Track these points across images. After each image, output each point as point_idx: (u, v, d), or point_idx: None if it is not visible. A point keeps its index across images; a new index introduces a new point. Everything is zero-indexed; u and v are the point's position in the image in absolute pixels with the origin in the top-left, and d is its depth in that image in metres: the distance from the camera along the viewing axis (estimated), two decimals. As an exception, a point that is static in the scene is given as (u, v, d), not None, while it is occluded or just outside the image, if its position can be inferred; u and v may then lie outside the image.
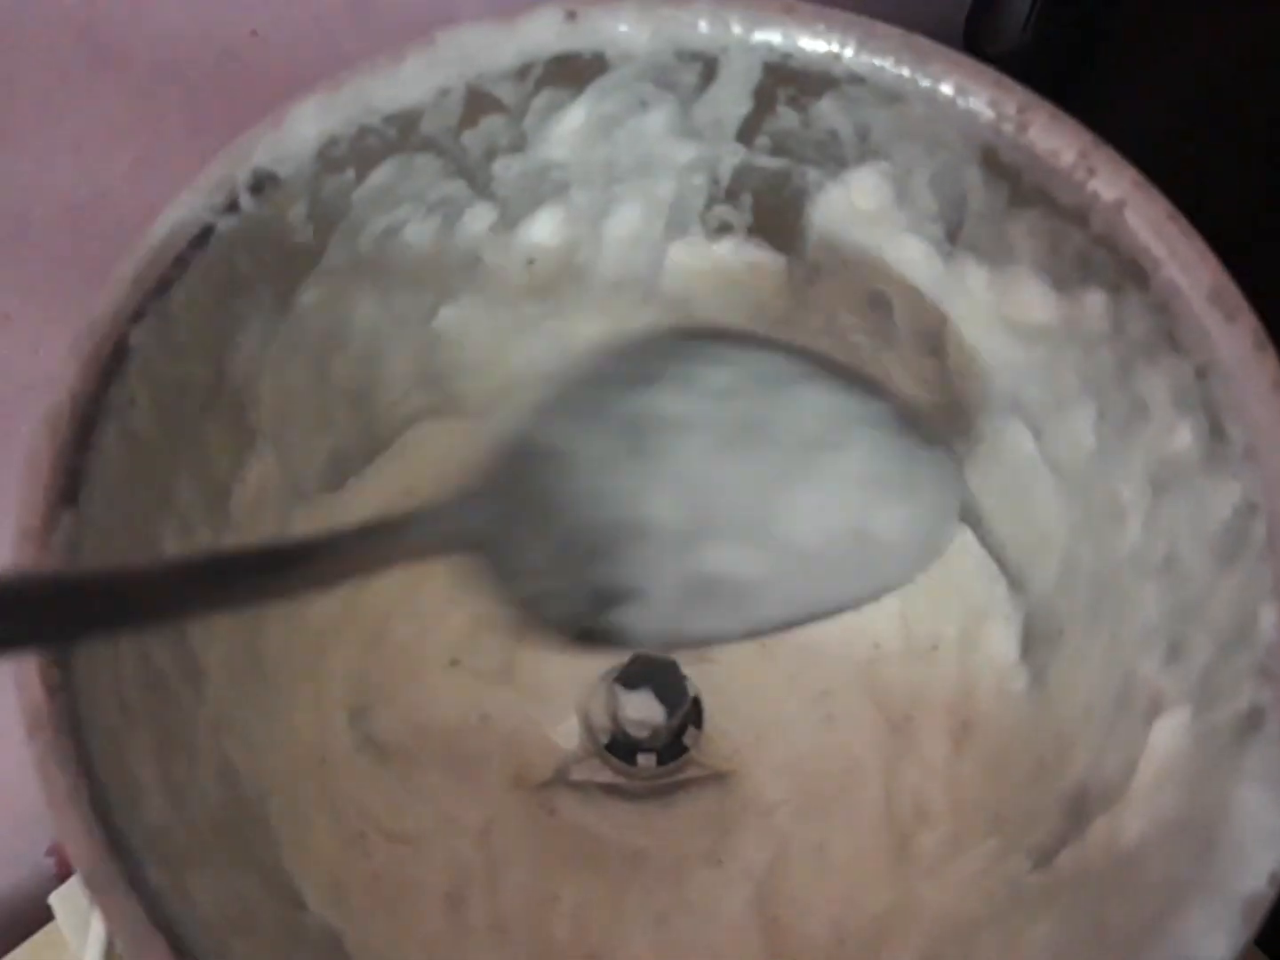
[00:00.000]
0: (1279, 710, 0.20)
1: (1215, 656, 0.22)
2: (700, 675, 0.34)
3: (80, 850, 0.19)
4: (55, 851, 0.51)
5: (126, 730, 0.21)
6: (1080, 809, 0.26)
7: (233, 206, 0.24)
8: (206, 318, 0.24)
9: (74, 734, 0.20)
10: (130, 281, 0.23)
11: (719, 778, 0.35)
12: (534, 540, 0.22)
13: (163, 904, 0.19)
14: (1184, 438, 0.24)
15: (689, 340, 0.24)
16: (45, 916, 0.46)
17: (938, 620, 0.34)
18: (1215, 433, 0.23)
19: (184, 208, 0.23)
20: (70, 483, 0.21)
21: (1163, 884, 0.20)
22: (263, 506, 0.28)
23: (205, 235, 0.23)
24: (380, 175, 0.26)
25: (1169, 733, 0.23)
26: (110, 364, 0.22)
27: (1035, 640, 0.30)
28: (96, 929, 0.44)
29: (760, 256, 0.31)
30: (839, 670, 0.35)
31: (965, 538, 0.33)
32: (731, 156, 0.28)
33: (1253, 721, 0.20)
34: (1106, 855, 0.23)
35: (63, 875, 0.48)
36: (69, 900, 0.47)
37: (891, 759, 0.34)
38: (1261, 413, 0.22)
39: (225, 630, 0.27)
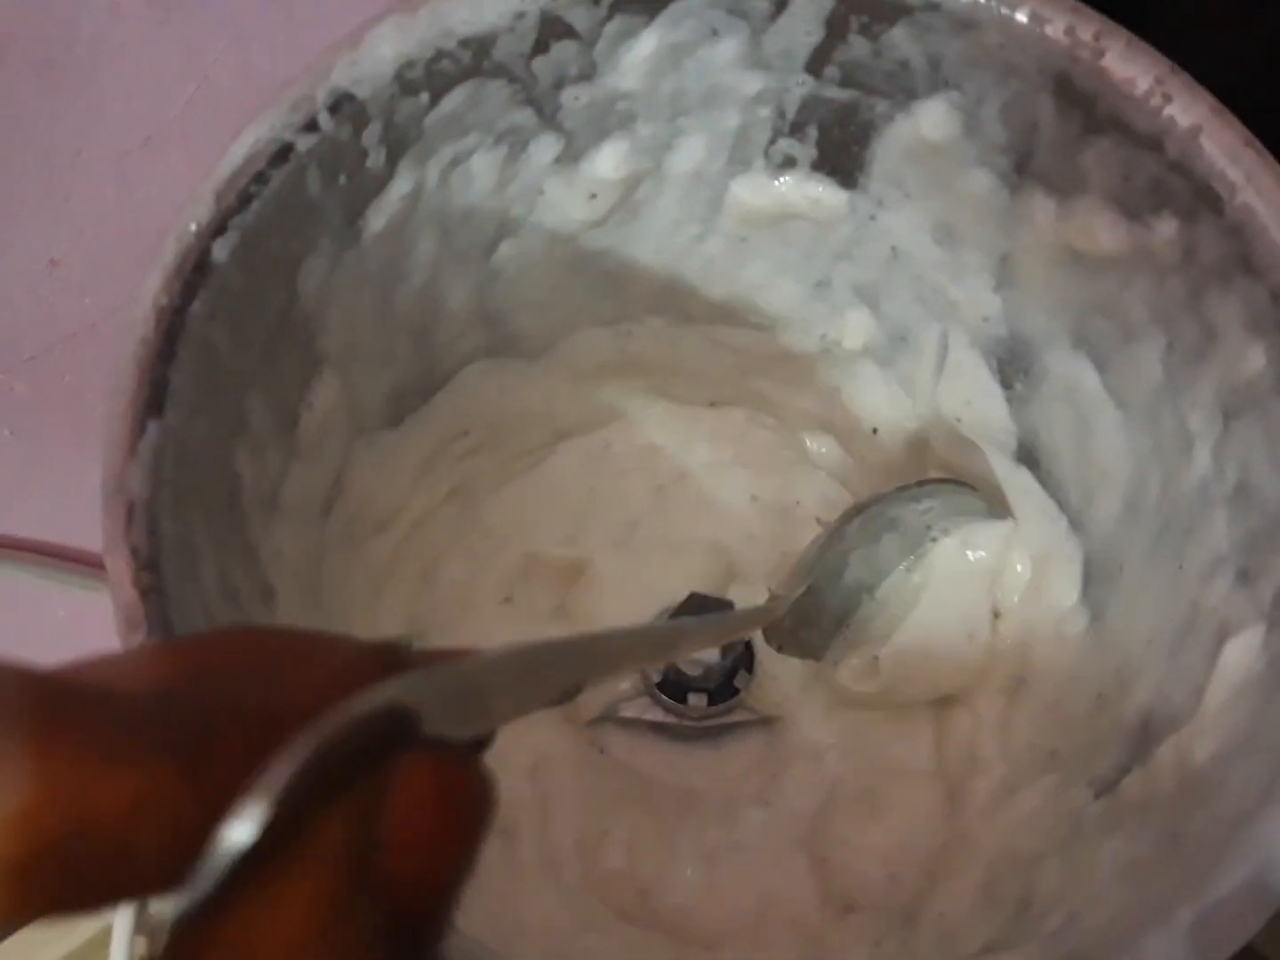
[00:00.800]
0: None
1: (1289, 577, 0.22)
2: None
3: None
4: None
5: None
6: (1144, 736, 0.26)
7: (311, 125, 0.24)
8: (281, 237, 0.24)
9: (165, 633, 0.20)
10: (213, 196, 0.23)
11: (766, 723, 0.35)
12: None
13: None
14: (1257, 361, 0.24)
15: None
16: None
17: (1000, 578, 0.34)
18: (1291, 355, 0.23)
19: (265, 125, 0.23)
20: (156, 393, 0.22)
21: (1239, 794, 0.21)
22: (327, 436, 0.29)
23: (285, 152, 0.24)
24: (452, 101, 0.26)
25: (1240, 655, 0.23)
26: (193, 277, 0.22)
27: (1094, 579, 0.30)
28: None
29: (822, 192, 0.31)
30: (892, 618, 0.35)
31: (1021, 477, 0.33)
32: (799, 88, 0.28)
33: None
34: (1176, 776, 0.23)
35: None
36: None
37: (941, 711, 0.34)
38: (1341, 332, 0.22)
39: (292, 553, 0.27)
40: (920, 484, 0.33)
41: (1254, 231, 0.23)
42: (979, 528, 0.33)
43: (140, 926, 0.47)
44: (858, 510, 0.33)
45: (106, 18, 0.39)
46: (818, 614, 0.33)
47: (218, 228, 0.23)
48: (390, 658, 0.13)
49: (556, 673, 0.16)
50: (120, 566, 0.20)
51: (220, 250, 0.23)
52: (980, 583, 0.33)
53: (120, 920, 0.45)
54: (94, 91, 0.40)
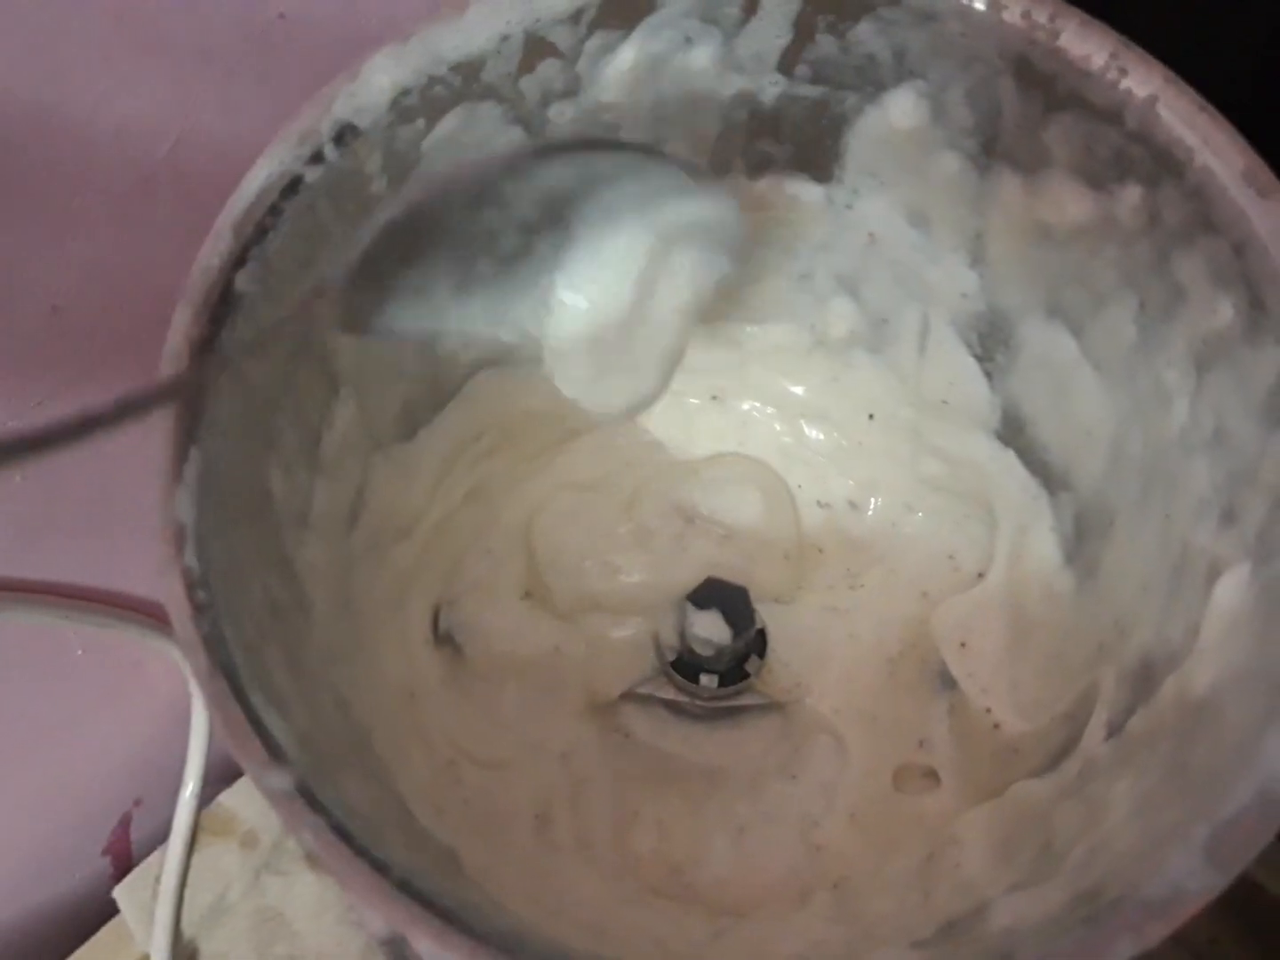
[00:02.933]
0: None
1: (1269, 514, 0.24)
2: (767, 612, 0.36)
3: (245, 747, 0.20)
4: (110, 850, 0.52)
5: (262, 645, 0.23)
6: (1146, 677, 0.27)
7: (317, 157, 0.25)
8: (297, 265, 0.26)
9: (220, 648, 0.21)
10: (232, 230, 0.24)
11: (777, 707, 0.36)
12: None
13: (317, 794, 0.21)
14: (1225, 313, 0.25)
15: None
16: (108, 912, 0.48)
17: (982, 549, 0.35)
18: (1255, 304, 0.24)
19: (274, 159, 0.25)
20: (195, 420, 0.23)
21: (1240, 721, 0.22)
22: (347, 453, 0.30)
23: (295, 184, 0.25)
24: (447, 124, 0.27)
25: (1231, 590, 0.25)
26: (220, 309, 0.24)
27: (1086, 535, 0.32)
28: (162, 919, 0.46)
29: (799, 189, 0.32)
30: (895, 622, 0.36)
31: (1005, 458, 0.34)
32: (773, 87, 0.30)
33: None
34: (1178, 710, 0.25)
35: (120, 874, 0.49)
36: (133, 893, 0.48)
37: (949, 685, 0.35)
38: (1300, 279, 0.23)
39: (324, 565, 0.28)
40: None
41: (1214, 191, 0.25)
42: None
43: (177, 955, 0.48)
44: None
45: (98, 64, 0.40)
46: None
47: (238, 259, 0.24)
48: None
49: None
50: (176, 588, 0.21)
51: (243, 281, 0.24)
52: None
53: (157, 952, 0.46)
54: (87, 137, 0.41)
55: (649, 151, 0.26)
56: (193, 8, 0.40)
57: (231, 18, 0.42)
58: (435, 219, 0.24)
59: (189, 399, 0.23)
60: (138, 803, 0.53)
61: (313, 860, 0.47)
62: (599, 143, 0.27)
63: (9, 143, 0.40)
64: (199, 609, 0.21)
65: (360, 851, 0.20)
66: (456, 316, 0.25)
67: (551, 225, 0.25)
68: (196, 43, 0.42)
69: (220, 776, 0.51)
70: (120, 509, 0.44)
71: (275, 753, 0.21)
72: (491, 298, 0.25)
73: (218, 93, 0.42)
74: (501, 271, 0.25)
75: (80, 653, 0.46)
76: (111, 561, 0.45)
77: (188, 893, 0.47)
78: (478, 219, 0.24)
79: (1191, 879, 0.20)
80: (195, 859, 0.48)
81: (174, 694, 0.49)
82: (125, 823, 0.53)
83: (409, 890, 0.20)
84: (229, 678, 0.21)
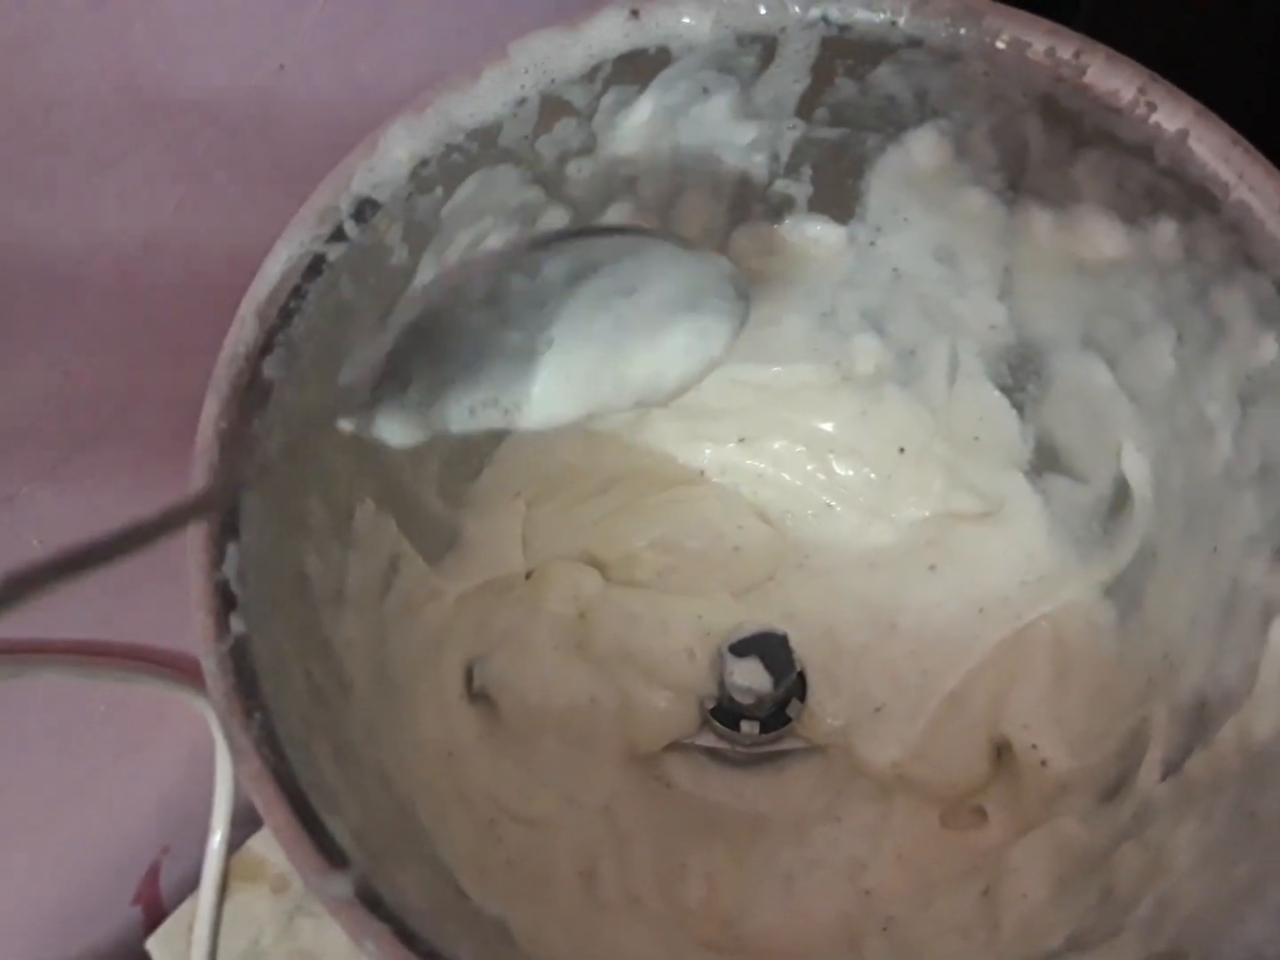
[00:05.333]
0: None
1: (1326, 554, 0.24)
2: (807, 654, 0.35)
3: (302, 855, 0.20)
4: (140, 899, 0.52)
5: (311, 741, 0.22)
6: (1202, 716, 0.27)
7: (338, 234, 0.25)
8: (322, 344, 0.25)
9: (274, 751, 0.21)
10: (256, 316, 0.23)
11: (818, 750, 0.36)
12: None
13: (380, 897, 0.20)
14: (1269, 350, 0.25)
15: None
16: None
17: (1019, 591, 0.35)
18: (1301, 341, 0.24)
19: (294, 241, 0.24)
20: (230, 515, 0.22)
21: (1311, 771, 0.22)
22: (380, 526, 0.29)
23: (317, 264, 0.24)
24: (465, 190, 0.27)
25: (1289, 632, 0.24)
26: (248, 397, 0.23)
27: (1129, 566, 0.31)
28: None
29: (820, 230, 0.32)
30: (941, 651, 0.35)
31: (1038, 505, 0.34)
32: (791, 132, 0.29)
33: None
34: (1241, 754, 0.24)
35: (151, 923, 0.49)
36: (166, 944, 0.48)
37: (999, 719, 0.35)
38: (1348, 316, 0.23)
39: (361, 638, 0.28)
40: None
41: (1252, 226, 0.24)
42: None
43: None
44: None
45: (98, 132, 0.39)
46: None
47: (264, 346, 0.24)
48: None
49: None
50: (223, 694, 0.21)
51: (270, 367, 0.24)
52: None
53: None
54: (91, 204, 0.41)
55: (640, 232, 0.27)
56: (192, 66, 0.39)
57: (231, 73, 0.41)
58: (447, 320, 0.23)
59: (223, 497, 0.22)
60: (166, 851, 0.53)
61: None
62: (591, 230, 0.27)
63: (12, 210, 0.40)
64: (248, 714, 0.21)
65: (426, 956, 0.20)
66: (456, 415, 0.25)
67: (546, 317, 0.25)
68: (197, 100, 0.41)
69: (248, 820, 0.50)
70: (138, 563, 0.44)
71: (333, 857, 0.20)
72: (493, 387, 0.25)
73: (220, 150, 0.42)
74: (500, 361, 0.25)
75: (103, 707, 0.46)
76: (131, 616, 0.45)
77: (221, 940, 0.47)
78: (484, 315, 0.24)
79: (1271, 945, 0.19)
80: (227, 906, 0.48)
81: (197, 741, 0.49)
82: (154, 871, 0.53)
83: (475, 992, 0.20)
84: (283, 782, 0.21)
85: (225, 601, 0.22)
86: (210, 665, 0.21)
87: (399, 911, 0.20)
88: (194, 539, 0.22)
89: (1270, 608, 0.25)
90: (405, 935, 0.20)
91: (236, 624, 0.21)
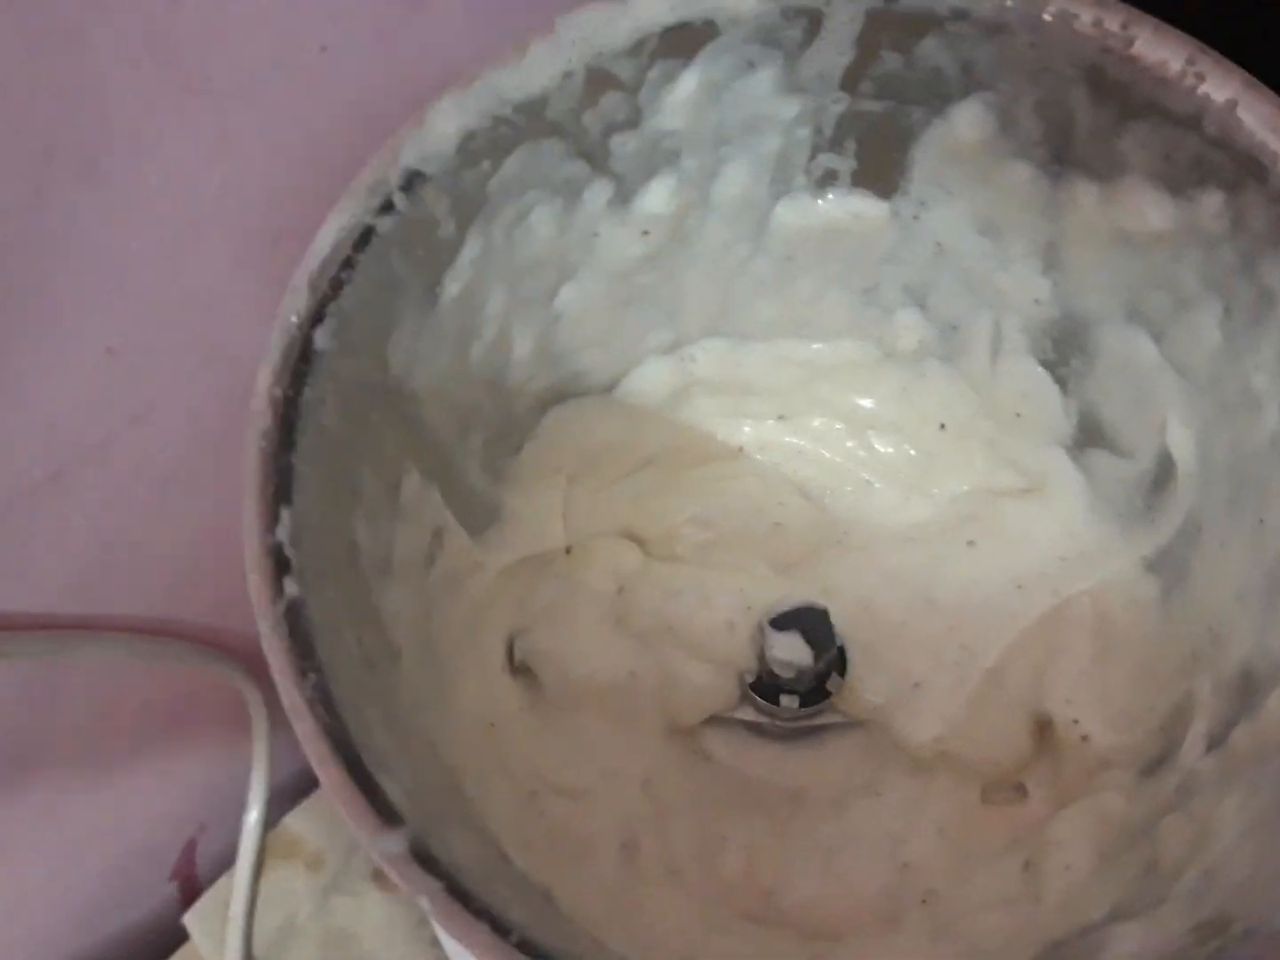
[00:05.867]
0: None
1: (1375, 525, 0.23)
2: (847, 629, 0.35)
3: (357, 812, 0.20)
4: (177, 876, 0.53)
5: (363, 705, 0.23)
6: (1248, 689, 0.27)
7: (388, 206, 0.25)
8: (372, 315, 0.26)
9: (329, 713, 0.21)
10: (308, 286, 0.24)
11: (858, 724, 0.36)
12: None
13: (433, 854, 0.21)
14: (1319, 320, 0.25)
15: None
16: (178, 938, 0.48)
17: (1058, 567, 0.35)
18: (1352, 311, 0.24)
19: (345, 213, 0.25)
20: (284, 482, 0.23)
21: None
22: (425, 498, 0.30)
23: (367, 236, 0.25)
24: (512, 163, 0.27)
25: (1337, 602, 0.24)
26: (300, 366, 0.24)
27: (1175, 539, 0.31)
28: (232, 944, 0.46)
29: (863, 205, 0.32)
30: (981, 628, 0.35)
31: (1080, 483, 0.34)
32: (836, 105, 0.29)
33: None
34: (1288, 726, 0.24)
35: (187, 899, 0.50)
36: (203, 919, 0.49)
37: (1041, 695, 0.35)
38: (1400, 285, 0.23)
39: (407, 610, 0.28)
40: None
41: (1301, 196, 0.24)
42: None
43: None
44: None
45: (141, 114, 0.40)
46: None
47: (316, 316, 0.24)
48: None
49: None
50: (280, 654, 0.21)
51: (321, 337, 0.24)
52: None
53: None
54: (136, 185, 0.41)
55: None
56: (234, 48, 0.40)
57: (273, 55, 0.42)
58: None
59: (276, 460, 0.23)
60: (202, 828, 0.54)
61: (380, 876, 0.48)
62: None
63: (60, 191, 0.40)
64: (303, 673, 0.21)
65: (479, 913, 0.20)
66: None
67: None
68: (239, 82, 0.42)
69: (284, 798, 0.51)
70: (183, 545, 0.45)
71: (387, 815, 0.21)
72: None
73: (261, 131, 0.42)
74: None
75: (141, 683, 0.46)
76: (170, 595, 0.46)
77: (257, 916, 0.48)
78: None
79: (1324, 911, 0.19)
80: (263, 883, 0.48)
81: (234, 719, 0.49)
82: (191, 849, 0.53)
83: (529, 949, 0.20)
84: (337, 742, 0.21)
85: (279, 564, 0.22)
86: (265, 628, 0.21)
87: (452, 870, 0.21)
88: (249, 503, 0.22)
89: (1318, 579, 0.25)
90: (459, 893, 0.20)
91: (290, 587, 0.22)
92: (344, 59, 0.44)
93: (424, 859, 0.20)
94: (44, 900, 0.48)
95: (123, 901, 0.52)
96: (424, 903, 0.20)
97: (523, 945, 0.20)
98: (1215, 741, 0.27)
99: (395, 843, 0.20)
